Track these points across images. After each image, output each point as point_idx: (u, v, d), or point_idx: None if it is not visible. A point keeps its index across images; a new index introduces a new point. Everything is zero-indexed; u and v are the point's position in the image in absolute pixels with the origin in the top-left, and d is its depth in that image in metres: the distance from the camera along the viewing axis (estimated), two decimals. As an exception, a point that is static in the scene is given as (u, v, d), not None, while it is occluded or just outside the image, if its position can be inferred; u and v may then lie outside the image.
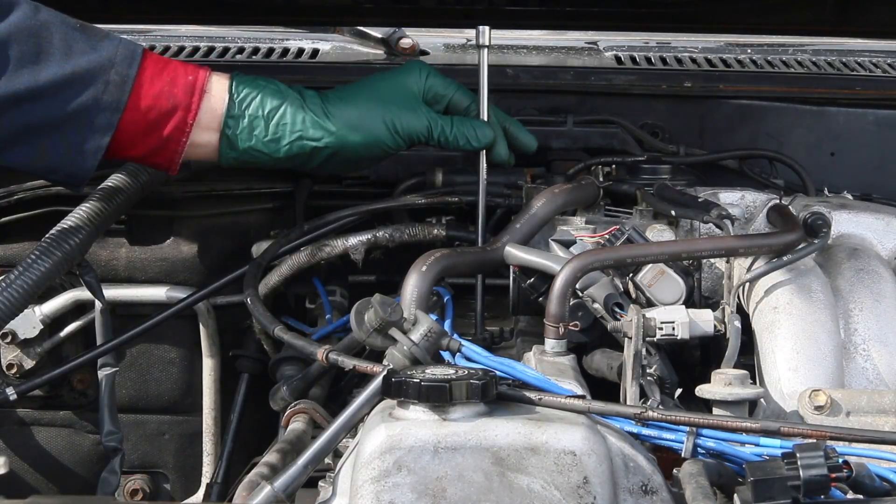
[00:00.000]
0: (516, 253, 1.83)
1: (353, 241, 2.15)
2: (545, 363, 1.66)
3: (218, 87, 1.83)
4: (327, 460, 1.49)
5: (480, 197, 1.99)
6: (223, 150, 1.85)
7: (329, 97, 1.89)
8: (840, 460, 1.31)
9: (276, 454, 1.70)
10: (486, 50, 1.98)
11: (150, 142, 1.81)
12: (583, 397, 1.46)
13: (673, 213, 1.92)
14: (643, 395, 1.66)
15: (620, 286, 1.79)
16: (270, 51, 2.69)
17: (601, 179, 2.11)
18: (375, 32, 2.73)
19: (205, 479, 2.34)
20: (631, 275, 1.79)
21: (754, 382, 1.64)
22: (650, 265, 1.78)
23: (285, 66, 2.46)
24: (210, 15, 2.64)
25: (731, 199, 1.99)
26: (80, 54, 1.75)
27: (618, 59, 2.65)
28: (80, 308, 2.26)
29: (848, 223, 1.93)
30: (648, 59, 2.64)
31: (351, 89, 1.91)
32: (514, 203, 2.16)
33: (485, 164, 1.98)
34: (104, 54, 1.76)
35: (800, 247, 1.79)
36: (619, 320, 1.72)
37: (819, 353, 1.69)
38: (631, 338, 1.65)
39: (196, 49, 2.66)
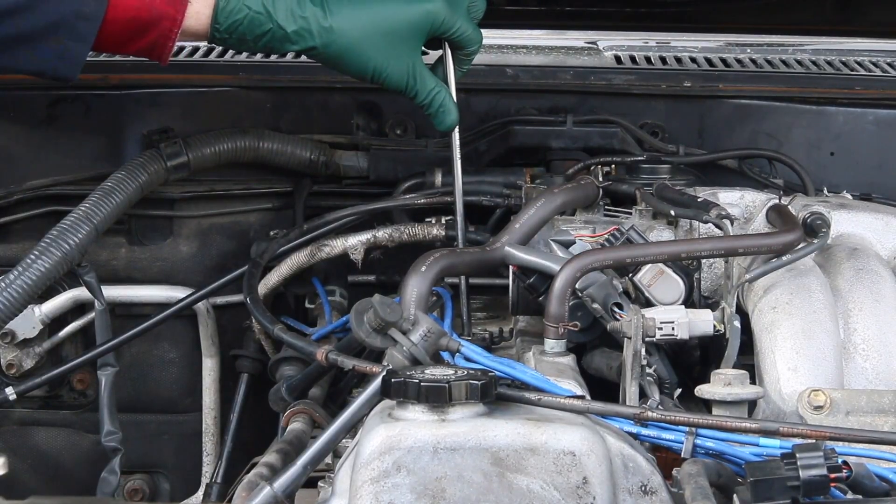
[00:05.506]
0: (516, 253, 1.83)
1: (353, 241, 2.15)
2: (544, 363, 1.66)
3: None
4: (327, 461, 1.49)
5: (457, 181, 1.96)
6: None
7: None
8: (839, 460, 1.31)
9: (276, 454, 1.70)
10: None
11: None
12: (582, 397, 1.46)
13: (672, 212, 1.92)
14: (643, 395, 1.65)
15: (620, 286, 1.79)
16: (271, 50, 2.68)
17: (601, 179, 2.11)
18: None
19: (204, 479, 2.34)
20: (630, 275, 1.79)
21: (754, 382, 1.64)
22: (649, 265, 1.78)
23: (286, 66, 2.46)
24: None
25: (731, 198, 1.98)
26: None
27: (617, 58, 2.65)
28: (79, 308, 2.26)
29: (847, 223, 1.92)
30: (648, 59, 2.64)
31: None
32: (513, 203, 2.16)
33: (458, 160, 1.98)
34: None
35: (799, 247, 1.79)
36: (618, 320, 1.72)
37: (818, 352, 1.68)
38: (630, 338, 1.65)
39: (196, 49, 2.65)
